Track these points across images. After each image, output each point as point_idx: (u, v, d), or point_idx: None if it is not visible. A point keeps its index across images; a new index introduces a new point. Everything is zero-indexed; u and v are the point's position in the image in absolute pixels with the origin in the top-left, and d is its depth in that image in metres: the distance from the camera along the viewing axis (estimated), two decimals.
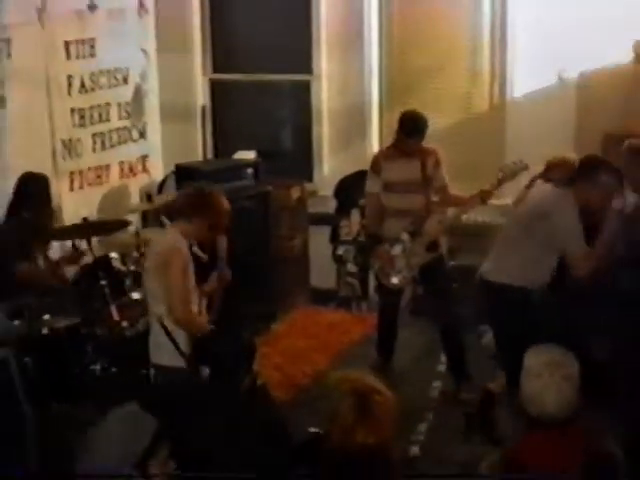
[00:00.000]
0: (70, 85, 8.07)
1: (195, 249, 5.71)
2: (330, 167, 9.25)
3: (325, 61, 9.07)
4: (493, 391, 6.12)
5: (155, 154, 9.18)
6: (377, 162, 7.18)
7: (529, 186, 6.71)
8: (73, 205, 7.95)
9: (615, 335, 6.26)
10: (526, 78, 8.33)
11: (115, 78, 8.59)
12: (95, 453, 3.50)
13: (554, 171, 6.67)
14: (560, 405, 3.81)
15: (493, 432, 6.01)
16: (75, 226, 7.14)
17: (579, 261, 5.86)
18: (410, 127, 6.97)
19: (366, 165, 7.61)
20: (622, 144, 6.63)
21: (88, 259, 6.92)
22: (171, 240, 5.34)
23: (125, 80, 8.72)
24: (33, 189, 6.83)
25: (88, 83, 8.25)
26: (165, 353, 5.30)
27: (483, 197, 6.79)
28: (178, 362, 5.23)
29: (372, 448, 3.74)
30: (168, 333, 5.23)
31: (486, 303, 6.28)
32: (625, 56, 7.89)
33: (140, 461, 3.51)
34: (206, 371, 5.20)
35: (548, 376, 3.83)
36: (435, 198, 7.15)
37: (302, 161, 9.41)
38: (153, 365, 5.48)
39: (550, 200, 5.98)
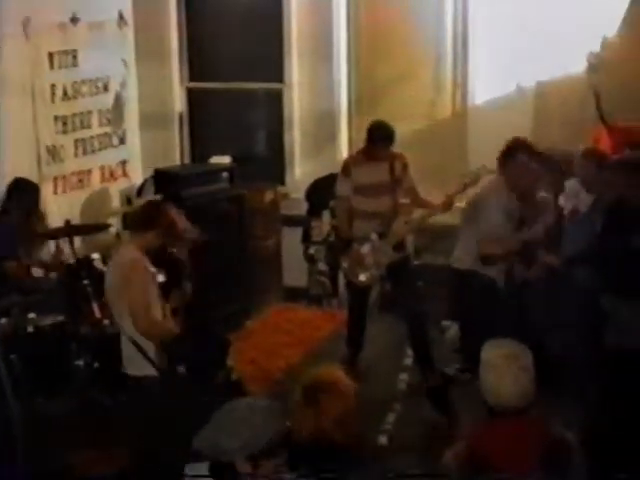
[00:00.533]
0: (54, 94, 8.08)
1: (159, 277, 5.72)
2: (301, 171, 9.28)
3: (296, 70, 9.10)
4: (449, 373, 6.24)
5: (134, 159, 9.18)
6: (347, 167, 7.22)
7: None
8: (57, 208, 7.96)
9: (570, 330, 6.35)
10: (486, 87, 8.41)
11: (96, 87, 8.59)
12: (216, 431, 3.48)
13: None
14: (518, 395, 3.86)
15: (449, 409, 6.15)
16: (58, 228, 7.15)
17: (484, 243, 6.11)
18: (378, 136, 7.02)
19: (335, 169, 7.66)
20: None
21: (71, 260, 6.93)
22: (129, 255, 5.36)
23: (106, 89, 8.73)
24: (23, 194, 6.85)
25: (70, 92, 8.26)
26: (135, 363, 5.30)
27: (450, 202, 6.87)
28: (149, 371, 5.24)
29: (319, 438, 3.80)
30: (136, 344, 5.23)
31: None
32: (579, 67, 7.99)
33: (255, 455, 3.48)
34: (181, 369, 5.20)
35: (506, 368, 3.88)
36: (405, 199, 7.21)
37: (275, 165, 9.43)
38: (128, 377, 5.49)
39: (482, 188, 6.39)
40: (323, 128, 9.09)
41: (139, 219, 5.53)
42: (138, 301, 5.19)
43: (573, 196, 6.68)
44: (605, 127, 7.71)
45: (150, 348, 5.24)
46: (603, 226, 6.12)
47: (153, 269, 5.56)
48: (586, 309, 6.13)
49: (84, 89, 8.43)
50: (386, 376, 7.15)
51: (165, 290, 5.62)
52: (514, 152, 6.34)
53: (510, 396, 3.87)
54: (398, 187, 7.10)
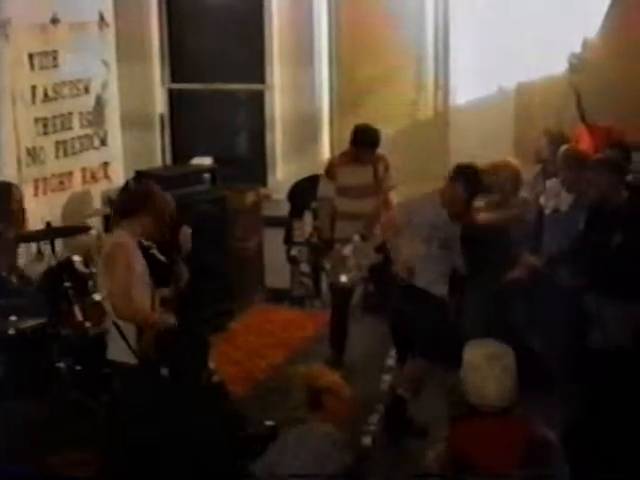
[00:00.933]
0: (34, 95, 8.05)
1: (154, 251, 5.66)
2: (283, 172, 9.29)
3: (278, 72, 9.11)
4: (403, 396, 6.21)
5: (116, 161, 9.13)
6: (331, 168, 7.23)
7: None
8: (37, 210, 7.91)
9: (553, 330, 6.37)
10: (468, 88, 8.44)
11: (77, 88, 8.55)
12: (277, 457, 3.48)
13: (495, 174, 6.82)
14: (500, 395, 3.87)
15: (412, 427, 6.13)
16: (39, 231, 7.12)
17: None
18: (364, 140, 7.04)
19: (317, 170, 7.67)
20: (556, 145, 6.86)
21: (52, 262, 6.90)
22: (114, 238, 5.29)
23: (86, 90, 8.68)
24: None
25: (51, 93, 8.22)
26: (116, 349, 5.26)
27: None
28: (129, 358, 5.19)
29: None
30: (118, 329, 5.19)
31: None
32: (560, 68, 8.03)
33: None
34: (165, 371, 5.17)
35: (487, 368, 3.89)
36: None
37: (256, 167, 9.44)
38: (108, 361, 5.44)
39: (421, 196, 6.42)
40: (305, 129, 9.11)
41: (127, 203, 5.42)
42: (118, 283, 5.12)
43: (554, 195, 6.69)
44: (586, 127, 7.74)
45: (131, 337, 5.18)
46: (585, 225, 6.14)
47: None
48: (569, 309, 6.15)
49: (65, 90, 8.39)
50: (369, 377, 7.13)
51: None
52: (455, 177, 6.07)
53: (493, 396, 3.88)
54: (381, 188, 7.11)
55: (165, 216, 5.36)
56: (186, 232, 5.70)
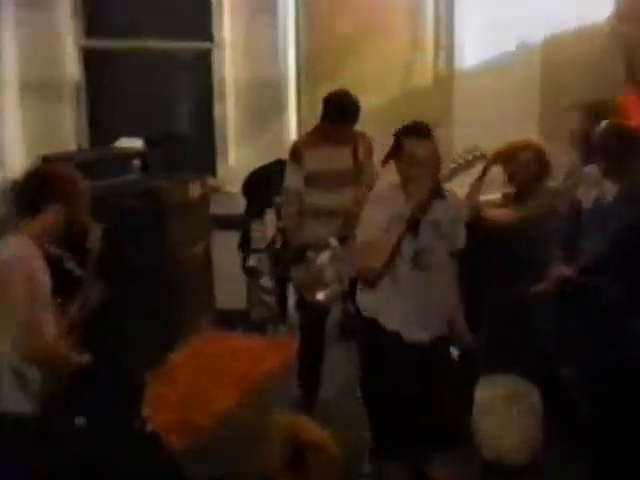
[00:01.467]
0: None
1: (69, 263, 5.60)
2: (238, 157, 9.30)
3: (229, 25, 9.12)
4: None
5: (13, 143, 9.11)
6: (297, 151, 7.20)
7: (482, 176, 6.86)
8: None
9: (588, 355, 6.36)
10: (478, 45, 8.44)
11: None
12: None
13: (513, 157, 6.83)
14: (521, 445, 3.85)
15: None
16: None
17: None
18: (338, 111, 7.01)
19: (282, 154, 7.66)
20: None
21: None
22: (10, 251, 5.18)
23: None
24: None
25: None
26: (7, 395, 5.18)
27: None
28: (25, 406, 5.12)
29: None
30: (17, 372, 5.11)
31: None
32: (601, 13, 8.05)
33: None
34: (82, 420, 5.12)
35: (505, 411, 3.87)
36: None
37: (203, 150, 9.46)
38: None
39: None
40: (265, 100, 9.14)
41: (27, 195, 5.32)
42: (22, 313, 5.03)
43: (594, 185, 6.69)
44: (637, 92, 7.75)
45: (36, 378, 5.12)
46: (632, 223, 6.15)
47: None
48: (611, 329, 6.14)
49: None
50: (352, 418, 7.08)
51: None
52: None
53: (513, 448, 3.86)
54: (362, 176, 7.09)
55: (85, 203, 5.28)
56: (96, 231, 5.62)
